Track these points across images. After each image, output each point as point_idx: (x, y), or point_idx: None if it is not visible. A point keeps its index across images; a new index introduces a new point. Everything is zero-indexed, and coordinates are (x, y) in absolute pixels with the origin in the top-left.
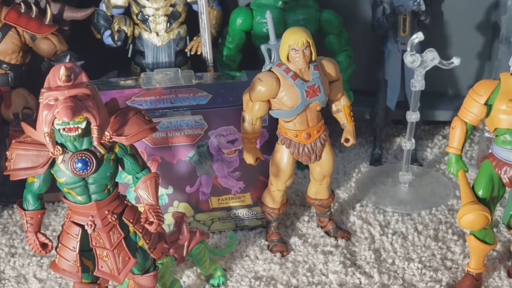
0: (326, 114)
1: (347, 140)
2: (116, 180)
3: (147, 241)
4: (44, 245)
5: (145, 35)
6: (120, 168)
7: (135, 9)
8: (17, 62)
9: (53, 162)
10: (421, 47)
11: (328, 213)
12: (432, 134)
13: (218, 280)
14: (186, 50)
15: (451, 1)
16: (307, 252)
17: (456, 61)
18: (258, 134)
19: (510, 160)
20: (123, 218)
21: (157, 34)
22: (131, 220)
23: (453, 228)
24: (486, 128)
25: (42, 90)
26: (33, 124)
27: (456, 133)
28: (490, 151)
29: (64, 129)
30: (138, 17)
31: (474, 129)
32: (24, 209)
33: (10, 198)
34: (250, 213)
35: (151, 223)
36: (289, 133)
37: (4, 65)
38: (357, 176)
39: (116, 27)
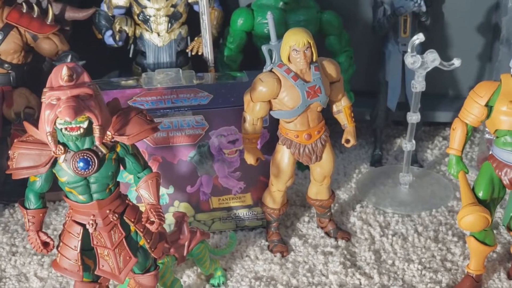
0: (327, 115)
1: (347, 141)
2: (117, 180)
3: (148, 241)
4: (45, 244)
5: (146, 35)
6: (121, 168)
7: (136, 9)
8: (19, 62)
9: (55, 161)
10: (422, 48)
11: (328, 214)
12: (433, 135)
13: (219, 280)
14: (187, 51)
15: (452, 2)
16: (307, 252)
17: (456, 62)
18: (259, 135)
19: (510, 161)
20: (124, 218)
21: (158, 35)
22: (132, 220)
23: (453, 229)
24: (486, 129)
25: (45, 90)
26: (34, 123)
27: (457, 134)
28: (490, 152)
29: (66, 129)
30: (139, 18)
31: (475, 130)
32: (26, 208)
33: (12, 197)
34: (250, 213)
35: (152, 222)
36: (289, 133)
37: (6, 65)
38: (358, 177)
39: (117, 27)
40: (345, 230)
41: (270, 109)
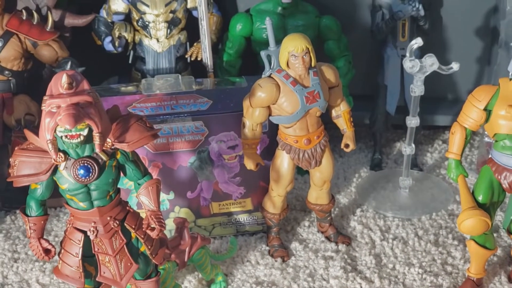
0: (326, 120)
1: (347, 146)
2: (118, 186)
3: (149, 247)
4: (47, 251)
5: (146, 41)
6: (122, 174)
7: (135, 15)
8: (19, 69)
9: (55, 169)
10: (420, 53)
11: (328, 218)
12: (432, 139)
13: (220, 285)
14: (186, 56)
15: (450, 6)
16: (307, 257)
17: (455, 66)
18: (258, 140)
19: (509, 165)
20: (125, 224)
21: (158, 40)
22: (133, 226)
23: (454, 233)
24: (486, 132)
25: (45, 98)
26: (35, 130)
27: (456, 138)
28: (489, 156)
29: (66, 136)
30: (139, 24)
31: (474, 133)
32: (27, 215)
33: (13, 203)
34: (250, 218)
35: (153, 229)
36: (289, 138)
37: (6, 72)
38: (357, 181)
39: (116, 33)
40: (346, 234)
41: (269, 115)
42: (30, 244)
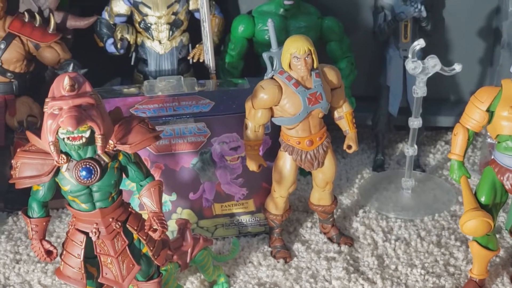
0: (329, 121)
1: (349, 147)
2: (120, 188)
3: (151, 248)
4: (49, 252)
5: (148, 43)
6: (124, 176)
7: (137, 17)
8: (21, 71)
9: (57, 171)
10: (423, 54)
11: (331, 219)
12: (435, 140)
13: (222, 286)
14: (188, 58)
15: (452, 8)
16: (310, 258)
17: (457, 67)
18: (260, 141)
19: None
20: (127, 226)
21: (160, 42)
22: (135, 228)
23: (456, 234)
24: (488, 134)
25: (47, 100)
26: (37, 132)
27: (458, 139)
28: (492, 157)
29: (68, 138)
30: (141, 26)
31: (477, 134)
32: (29, 217)
33: (15, 205)
34: (253, 219)
35: (155, 230)
36: (291, 140)
37: (9, 74)
38: (360, 182)
39: (119, 35)
40: (348, 235)
41: (272, 116)
42: (32, 245)
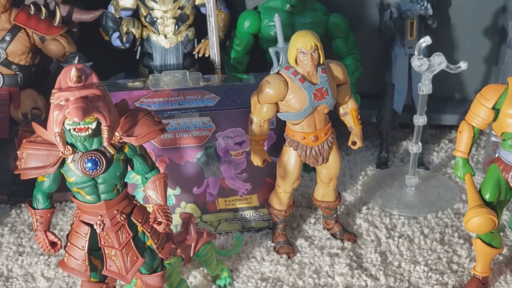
0: (334, 117)
1: (354, 143)
2: (125, 181)
3: (155, 241)
4: (53, 244)
5: (153, 37)
6: (129, 169)
7: (143, 11)
8: (26, 63)
9: (63, 162)
10: (428, 51)
11: (334, 216)
12: (439, 138)
13: (225, 280)
14: (194, 53)
15: (458, 6)
16: (313, 254)
17: (463, 65)
18: (265, 136)
19: None
20: (132, 218)
21: (165, 37)
22: (140, 220)
23: (459, 231)
24: (492, 132)
25: (53, 91)
26: (42, 124)
27: (464, 137)
28: (497, 155)
29: (74, 129)
30: (147, 20)
31: (481, 133)
32: (33, 208)
33: (19, 197)
34: (256, 214)
35: (159, 223)
36: (296, 135)
37: (14, 66)
38: (364, 179)
39: (124, 29)
40: (351, 231)
41: (277, 111)
42: (36, 237)
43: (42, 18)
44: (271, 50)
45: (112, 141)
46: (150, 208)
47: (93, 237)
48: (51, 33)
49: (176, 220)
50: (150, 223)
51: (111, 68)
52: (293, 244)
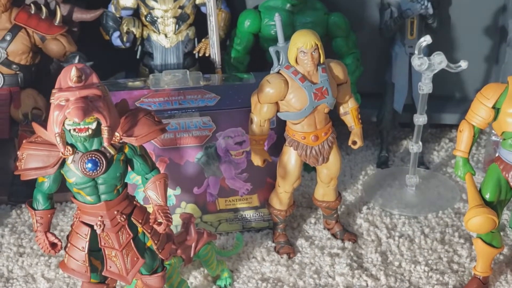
0: (334, 116)
1: (354, 143)
2: (125, 181)
3: (156, 242)
4: (53, 245)
5: (154, 36)
6: (129, 169)
7: (144, 10)
8: (26, 63)
9: (63, 162)
10: (429, 50)
11: (335, 215)
12: (439, 137)
13: (225, 281)
14: (194, 52)
15: (459, 5)
16: (313, 254)
17: (463, 64)
18: (266, 136)
19: None
20: (132, 219)
21: (166, 36)
22: (140, 221)
23: (460, 231)
24: (493, 131)
25: (53, 91)
26: (42, 124)
27: (464, 136)
28: (497, 154)
29: (74, 130)
30: (147, 19)
31: (481, 132)
32: (34, 209)
33: (19, 197)
34: (257, 214)
35: (159, 223)
36: (296, 135)
37: (14, 66)
38: (364, 179)
39: (125, 28)
40: (352, 231)
41: (277, 111)
42: (37, 237)
43: (43, 17)
44: (272, 50)
45: (112, 142)
46: (150, 209)
47: (94, 238)
48: (52, 32)
49: (177, 220)
50: (150, 224)
51: (111, 67)
52: (293, 244)
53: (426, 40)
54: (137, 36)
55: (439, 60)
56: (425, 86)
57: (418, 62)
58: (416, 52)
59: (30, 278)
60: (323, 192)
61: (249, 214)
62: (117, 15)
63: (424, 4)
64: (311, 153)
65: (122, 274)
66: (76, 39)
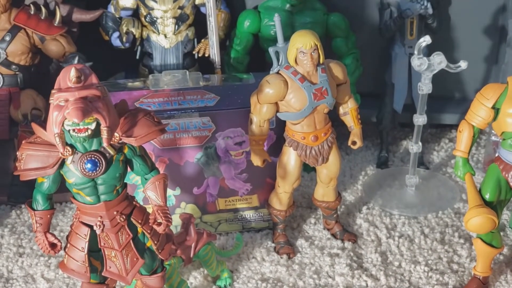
0: (333, 117)
1: (354, 143)
2: (124, 181)
3: (155, 242)
4: (53, 245)
5: (153, 37)
6: (128, 169)
7: (143, 11)
8: (26, 63)
9: (62, 163)
10: (428, 51)
11: (334, 216)
12: (439, 138)
13: (225, 281)
14: (194, 52)
15: (458, 5)
16: (313, 254)
17: (463, 64)
18: (265, 136)
19: None
20: (132, 219)
21: (165, 36)
22: (140, 221)
23: (460, 231)
24: (492, 131)
25: (53, 91)
26: (41, 125)
27: (463, 136)
28: (497, 154)
29: (74, 130)
30: (147, 19)
31: (481, 132)
32: (33, 209)
33: (19, 198)
34: (257, 215)
35: (159, 224)
36: (296, 135)
37: (13, 66)
38: (364, 179)
39: (124, 29)
40: (352, 232)
41: (277, 111)
42: (36, 238)
43: (42, 18)
44: (271, 50)
45: (111, 142)
46: (150, 209)
47: (93, 238)
48: (51, 33)
49: (176, 220)
50: (150, 224)
51: (111, 68)
52: (293, 245)
53: (426, 40)
54: (136, 36)
55: (439, 60)
56: (424, 86)
57: (418, 62)
58: (415, 52)
59: (30, 279)
60: (323, 192)
61: (249, 214)
62: (117, 16)
63: (423, 4)
64: (310, 153)
65: (122, 274)
66: (76, 40)
